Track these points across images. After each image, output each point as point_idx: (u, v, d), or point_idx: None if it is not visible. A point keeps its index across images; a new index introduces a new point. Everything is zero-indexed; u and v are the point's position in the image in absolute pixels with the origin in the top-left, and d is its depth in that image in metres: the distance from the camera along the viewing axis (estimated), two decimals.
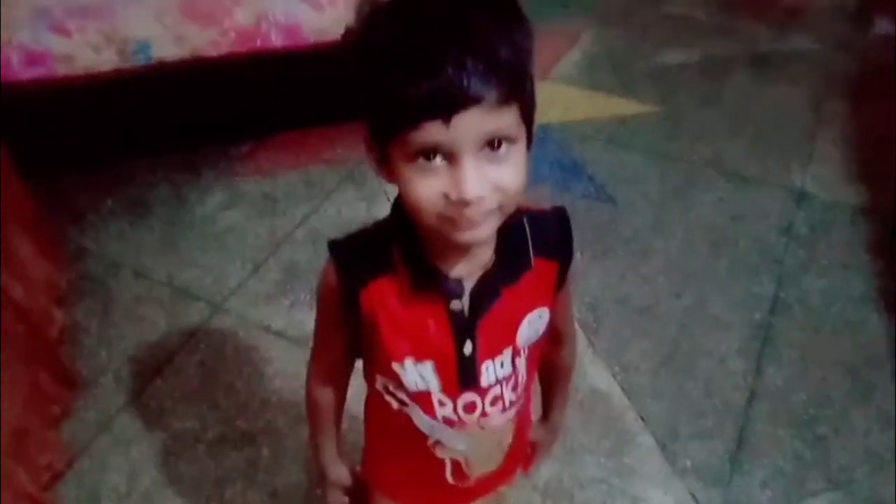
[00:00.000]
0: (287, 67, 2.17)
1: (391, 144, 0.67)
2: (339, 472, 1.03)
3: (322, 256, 0.82)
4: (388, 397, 0.86)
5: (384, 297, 0.78)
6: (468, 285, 0.78)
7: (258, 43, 2.05)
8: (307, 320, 1.78)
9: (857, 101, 2.54)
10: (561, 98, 2.53)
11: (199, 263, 1.98)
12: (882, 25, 2.89)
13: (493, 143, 0.65)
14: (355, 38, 0.67)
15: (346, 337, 0.86)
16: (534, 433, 1.04)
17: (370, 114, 0.69)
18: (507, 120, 0.65)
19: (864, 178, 2.25)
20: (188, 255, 2.00)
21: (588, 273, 1.94)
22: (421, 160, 0.65)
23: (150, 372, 1.73)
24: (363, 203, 2.15)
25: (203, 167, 2.24)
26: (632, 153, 2.33)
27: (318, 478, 1.05)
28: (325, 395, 0.95)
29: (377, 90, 0.65)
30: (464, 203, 0.65)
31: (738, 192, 2.22)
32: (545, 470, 1.52)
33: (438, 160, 0.65)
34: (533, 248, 0.79)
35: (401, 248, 0.77)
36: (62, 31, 1.93)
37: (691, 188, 2.23)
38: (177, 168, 2.24)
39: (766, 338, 1.82)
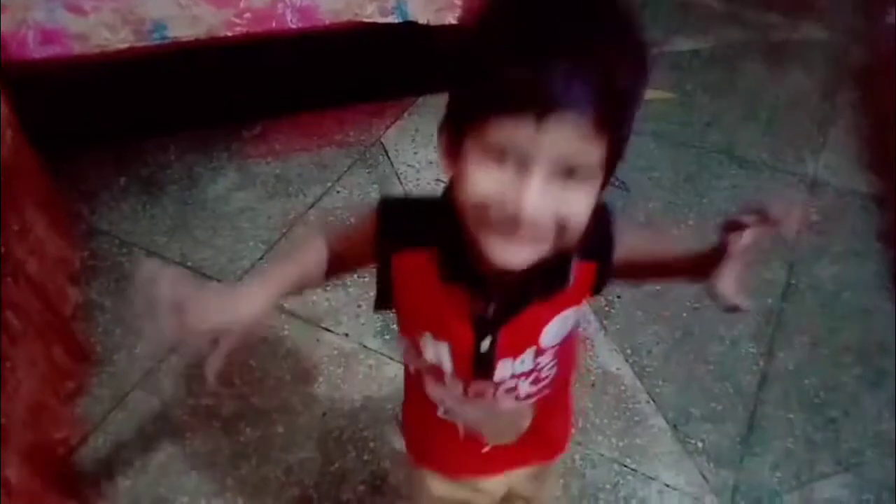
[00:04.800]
0: (299, 48, 2.17)
1: (469, 130, 0.62)
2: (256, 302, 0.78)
3: None
4: (407, 355, 0.88)
5: (413, 270, 0.76)
6: (500, 287, 0.73)
7: (273, 24, 2.03)
8: (319, 301, 1.83)
9: (869, 91, 2.54)
10: None
11: (211, 243, 1.98)
12: (893, 15, 2.87)
13: (569, 172, 0.62)
14: (477, 14, 0.63)
15: (353, 259, 0.82)
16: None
17: (460, 92, 0.66)
18: (592, 154, 0.61)
19: (876, 166, 2.26)
20: (201, 235, 2.01)
21: None
22: (492, 160, 0.61)
23: (165, 349, 1.74)
24: (374, 185, 2.15)
25: (215, 148, 2.24)
26: (643, 138, 2.33)
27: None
28: (312, 244, 0.83)
29: (478, 67, 0.61)
30: (517, 217, 0.61)
31: (751, 178, 2.22)
32: None
33: (510, 165, 0.61)
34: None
35: (444, 232, 0.72)
36: (78, 10, 1.92)
37: (703, 174, 2.23)
38: (189, 148, 2.24)
39: (778, 323, 1.82)
